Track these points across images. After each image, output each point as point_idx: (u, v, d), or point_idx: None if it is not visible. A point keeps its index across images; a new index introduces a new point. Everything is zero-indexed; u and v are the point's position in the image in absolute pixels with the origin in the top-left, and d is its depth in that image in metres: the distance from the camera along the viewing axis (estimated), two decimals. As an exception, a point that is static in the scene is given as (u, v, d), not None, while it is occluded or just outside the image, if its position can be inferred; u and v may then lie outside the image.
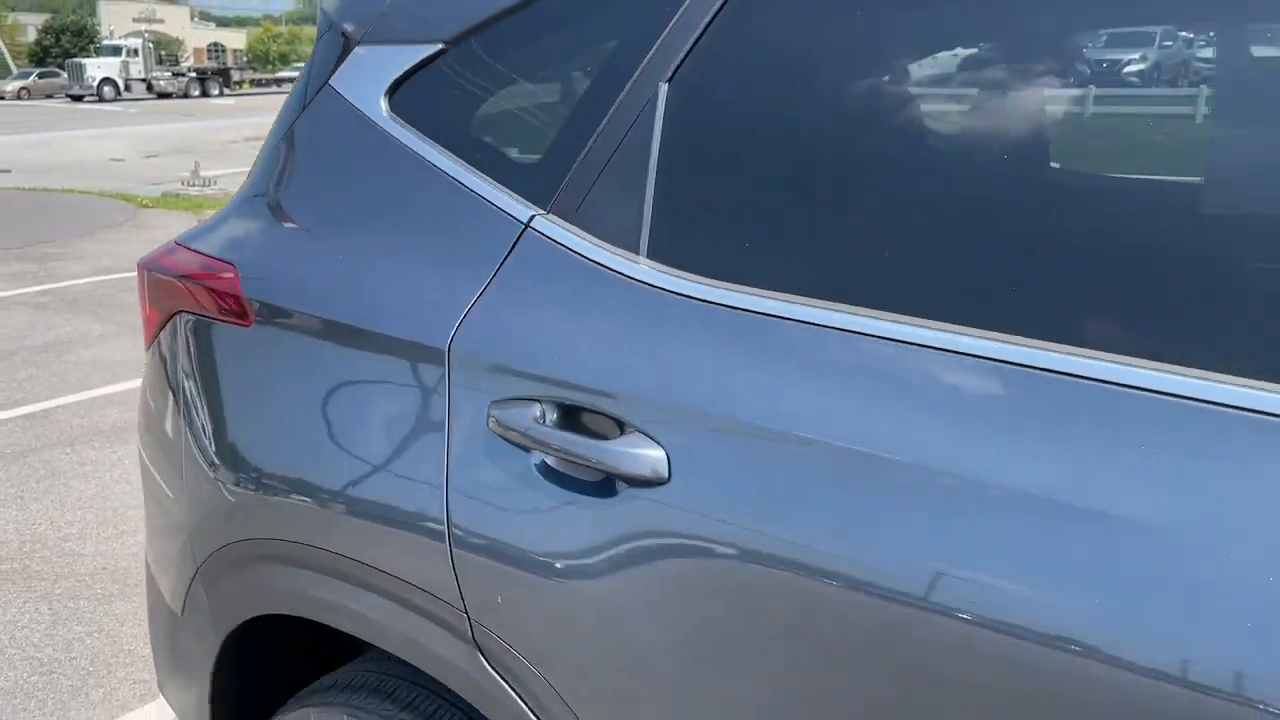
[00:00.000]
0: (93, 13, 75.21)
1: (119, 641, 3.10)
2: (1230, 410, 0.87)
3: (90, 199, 12.90)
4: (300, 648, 1.77)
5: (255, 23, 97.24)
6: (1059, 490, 0.92)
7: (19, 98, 44.77)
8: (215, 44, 77.29)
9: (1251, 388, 0.87)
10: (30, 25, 75.14)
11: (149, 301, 1.75)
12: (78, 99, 43.35)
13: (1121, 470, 0.90)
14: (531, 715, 1.27)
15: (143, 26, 66.25)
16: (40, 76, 47.40)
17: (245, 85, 51.01)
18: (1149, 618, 0.86)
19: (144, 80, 46.71)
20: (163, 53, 58.18)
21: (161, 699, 2.80)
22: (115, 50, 47.67)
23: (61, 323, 6.94)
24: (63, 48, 61.26)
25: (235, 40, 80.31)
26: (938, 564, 0.97)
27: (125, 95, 45.03)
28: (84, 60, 46.11)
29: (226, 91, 48.12)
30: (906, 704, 0.99)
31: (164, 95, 45.58)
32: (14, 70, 53.39)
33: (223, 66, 55.65)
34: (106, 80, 44.43)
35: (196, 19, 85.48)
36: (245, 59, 71.91)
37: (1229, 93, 1.22)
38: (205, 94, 46.46)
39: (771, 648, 1.07)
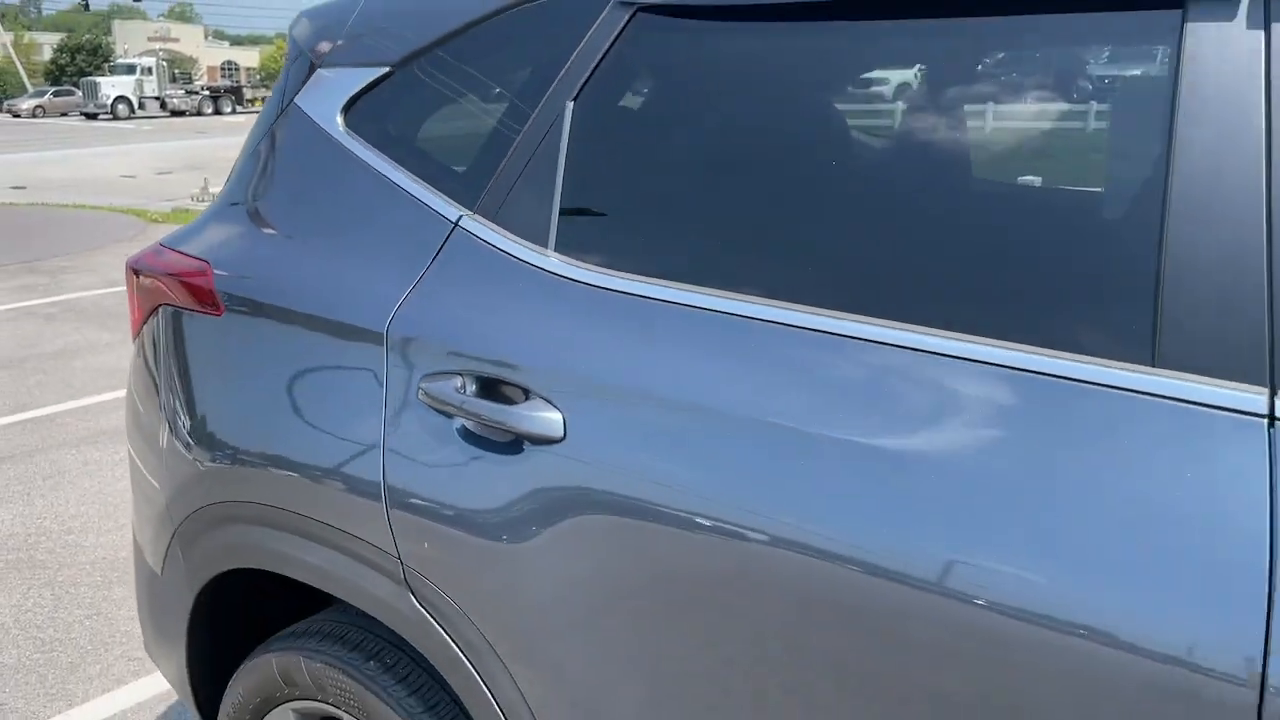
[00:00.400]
0: (108, 32, 76.03)
1: (115, 623, 3.30)
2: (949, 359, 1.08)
3: (101, 214, 13.17)
4: (265, 612, 1.97)
5: (269, 41, 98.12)
6: (852, 432, 1.12)
7: (34, 116, 45.33)
8: (229, 62, 78.05)
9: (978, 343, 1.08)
10: (46, 44, 75.98)
11: (136, 296, 1.96)
12: (92, 117, 43.84)
13: (852, 404, 1.11)
14: (453, 645, 1.47)
15: (157, 45, 66.99)
16: (55, 95, 47.97)
17: (258, 103, 51.47)
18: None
19: (157, 98, 47.24)
20: (176, 71, 58.84)
21: (155, 675, 3.00)
22: (129, 69, 48.19)
23: (70, 332, 7.17)
24: (78, 66, 61.97)
25: (249, 58, 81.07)
26: (770, 494, 1.16)
27: (139, 113, 45.55)
28: (99, 79, 46.64)
29: (239, 109, 48.63)
30: (773, 626, 1.19)
31: (177, 113, 46.10)
32: (30, 89, 54.04)
33: (235, 84, 56.26)
34: (121, 98, 44.94)
35: (211, 38, 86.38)
36: (258, 77, 72.58)
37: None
38: (218, 111, 46.97)
39: (650, 579, 1.27)
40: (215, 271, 1.78)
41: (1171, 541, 0.96)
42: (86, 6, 42.01)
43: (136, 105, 45.77)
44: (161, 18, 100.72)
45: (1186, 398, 0.99)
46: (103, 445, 4.95)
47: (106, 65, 56.13)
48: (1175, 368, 1.01)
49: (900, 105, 1.60)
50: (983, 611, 1.03)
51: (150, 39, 70.65)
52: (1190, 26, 1.05)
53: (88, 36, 70.38)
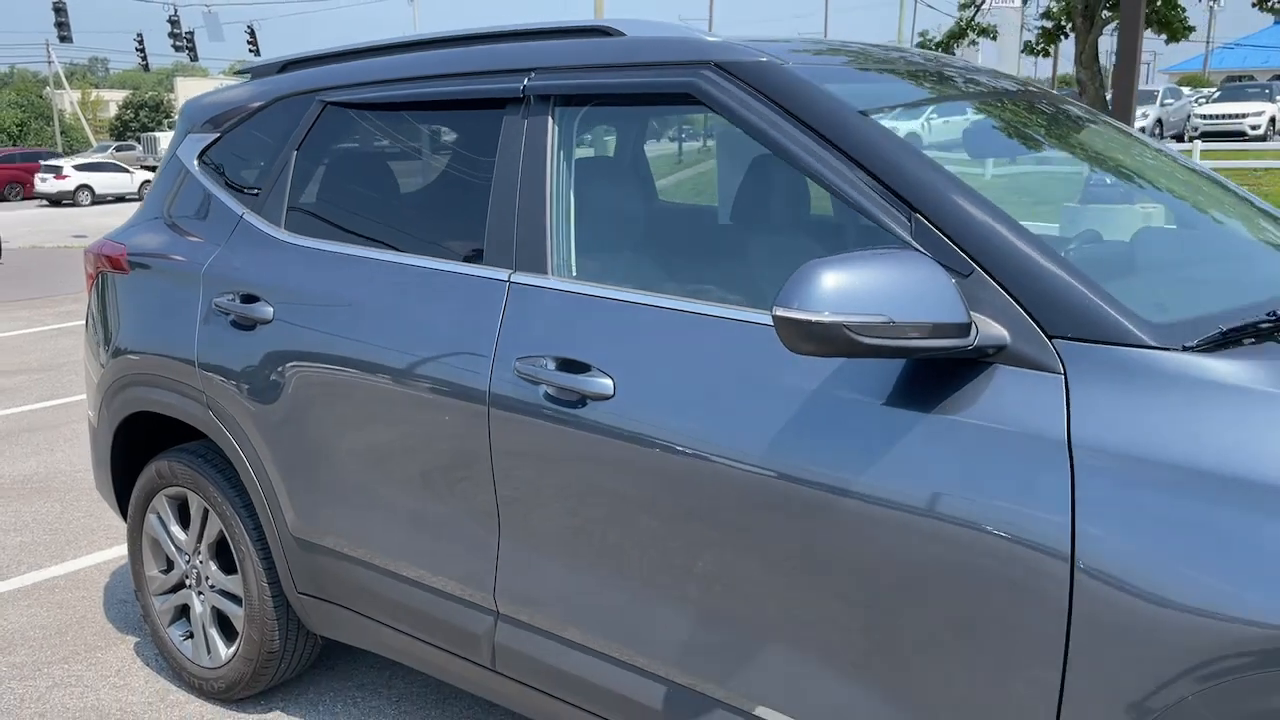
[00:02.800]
0: (171, 89, 79.64)
1: (102, 520, 4.66)
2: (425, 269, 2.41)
3: (144, 254, 14.83)
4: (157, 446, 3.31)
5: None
6: (407, 306, 2.45)
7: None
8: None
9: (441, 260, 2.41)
10: (112, 101, 79.72)
11: (89, 269, 3.34)
12: (152, 170, 46.40)
13: (403, 291, 2.44)
14: (226, 432, 2.80)
15: (215, 101, 69.99)
16: (117, 149, 50.73)
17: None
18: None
19: (212, 151, 49.76)
20: (232, 125, 61.63)
21: (123, 547, 4.34)
22: (187, 124, 50.80)
23: (101, 344, 8.67)
24: (141, 122, 65.24)
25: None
26: (375, 339, 2.48)
27: (195, 165, 48.02)
28: (157, 134, 49.44)
29: (289, 161, 51.03)
30: (372, 405, 2.51)
31: (230, 165, 48.55)
32: (94, 144, 57.07)
33: (287, 137, 58.92)
34: (178, 152, 47.48)
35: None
36: (310, 130, 75.54)
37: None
38: (269, 163, 49.37)
39: (322, 391, 2.59)
40: (127, 250, 3.16)
41: (465, 335, 2.27)
42: (146, 66, 44.70)
43: (192, 158, 48.23)
44: (222, 74, 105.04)
45: (485, 275, 2.31)
46: (112, 419, 6.36)
47: (167, 121, 59.07)
48: (488, 264, 2.32)
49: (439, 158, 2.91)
50: (424, 388, 2.35)
51: (209, 95, 73.86)
52: (505, 118, 2.37)
53: (151, 93, 73.96)
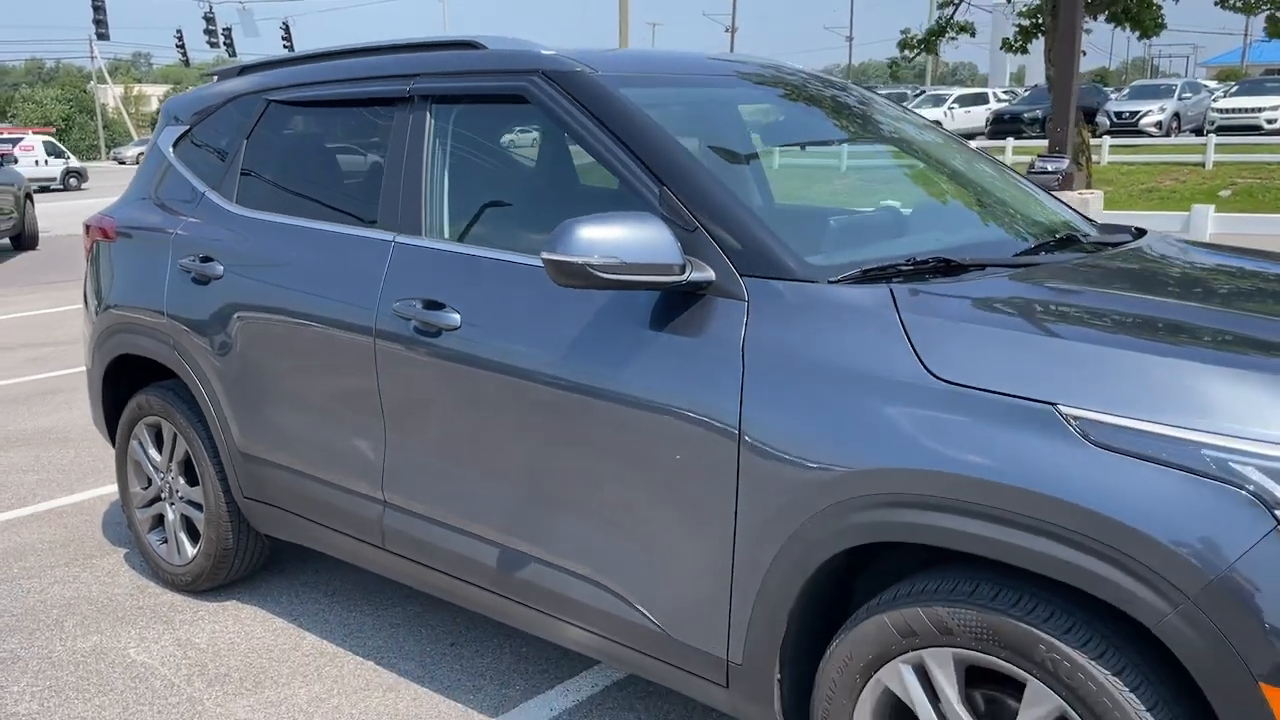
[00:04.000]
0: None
1: (109, 464, 5.34)
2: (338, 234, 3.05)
3: (172, 241, 15.64)
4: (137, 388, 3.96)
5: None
6: (332, 263, 3.09)
7: (137, 162, 49.20)
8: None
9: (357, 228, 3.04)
10: (154, 96, 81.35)
11: (86, 242, 4.00)
12: (189, 162, 47.58)
13: (329, 252, 3.08)
14: (191, 373, 3.45)
15: (253, 95, 71.36)
16: (157, 142, 52.08)
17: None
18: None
19: (249, 144, 50.95)
20: (269, 119, 62.91)
21: (124, 485, 5.01)
22: (224, 118, 52.02)
23: (124, 321, 9.42)
24: (181, 116, 66.60)
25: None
26: (309, 290, 3.12)
27: (231, 158, 49.23)
28: (196, 127, 50.54)
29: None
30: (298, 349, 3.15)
31: (266, 158, 49.70)
32: (135, 138, 58.49)
33: (322, 131, 60.12)
34: (215, 145, 48.70)
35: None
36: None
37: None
38: (303, 156, 50.51)
39: (261, 334, 3.23)
40: (116, 222, 3.82)
41: (361, 284, 2.89)
42: (186, 62, 45.89)
43: (229, 151, 49.43)
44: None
45: (377, 236, 2.93)
46: (126, 383, 7.07)
47: (205, 115, 60.39)
48: (380, 228, 2.95)
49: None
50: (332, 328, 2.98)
51: (247, 89, 75.21)
52: (396, 114, 2.99)
53: (191, 88, 75.38)
